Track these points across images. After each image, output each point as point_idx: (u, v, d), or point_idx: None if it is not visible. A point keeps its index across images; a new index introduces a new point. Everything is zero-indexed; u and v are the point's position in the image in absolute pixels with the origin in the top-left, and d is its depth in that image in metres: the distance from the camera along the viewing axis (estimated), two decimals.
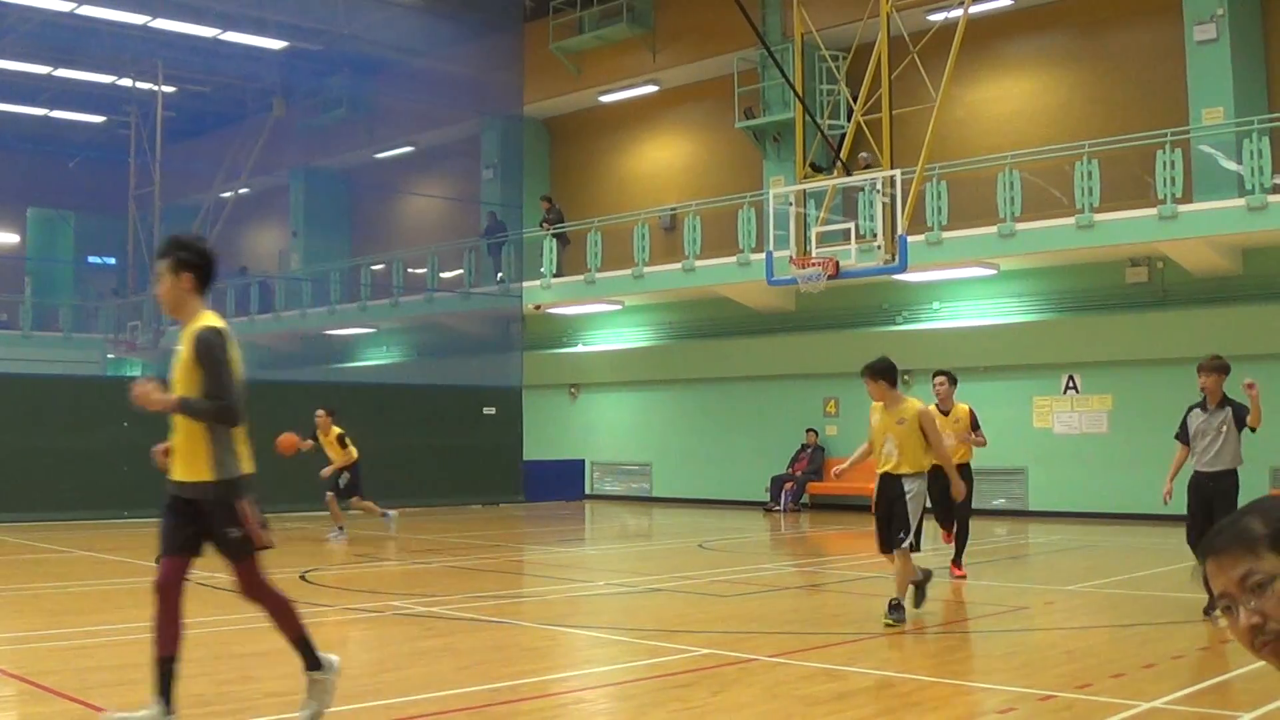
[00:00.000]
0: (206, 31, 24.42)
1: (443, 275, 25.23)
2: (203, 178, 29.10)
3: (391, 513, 14.96)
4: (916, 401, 7.78)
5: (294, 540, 14.34)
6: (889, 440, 7.63)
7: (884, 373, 7.67)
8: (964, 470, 8.94)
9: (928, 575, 7.93)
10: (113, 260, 32.42)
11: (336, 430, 14.47)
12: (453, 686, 6.05)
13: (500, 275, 23.89)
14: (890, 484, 7.61)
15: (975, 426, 9.14)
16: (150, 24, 23.85)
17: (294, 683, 5.39)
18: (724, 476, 21.30)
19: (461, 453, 20.61)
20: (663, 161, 24.08)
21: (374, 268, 26.98)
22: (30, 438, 16.93)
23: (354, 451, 14.60)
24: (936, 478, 8.16)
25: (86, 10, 22.90)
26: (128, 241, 29.30)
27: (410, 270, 26.01)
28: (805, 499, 19.89)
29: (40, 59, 26.07)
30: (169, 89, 27.94)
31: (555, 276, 22.40)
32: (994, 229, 16.82)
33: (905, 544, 7.47)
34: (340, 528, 14.55)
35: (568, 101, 24.52)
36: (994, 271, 18.01)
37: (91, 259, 33.32)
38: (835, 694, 5.73)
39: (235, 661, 6.69)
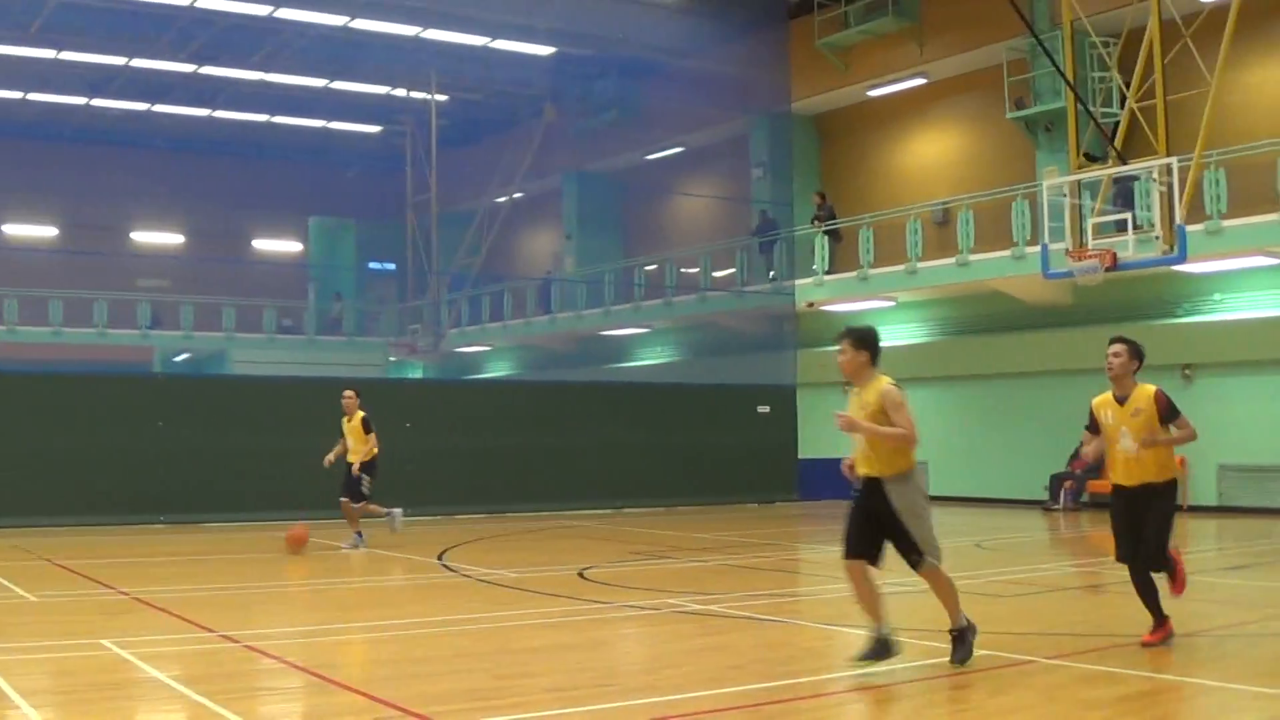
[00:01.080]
0: (477, 40, 28.28)
1: (715, 274, 28.40)
2: (477, 184, 32.94)
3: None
4: (884, 379, 7.11)
5: (568, 537, 16.13)
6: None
7: (867, 341, 7.18)
8: (1158, 490, 7.68)
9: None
10: (393, 266, 37.22)
11: (361, 414, 14.96)
12: (727, 685, 6.75)
13: (772, 273, 26.74)
14: (872, 492, 7.05)
15: (1171, 417, 7.72)
16: (422, 35, 27.80)
17: (571, 678, 6.72)
18: (1001, 474, 23.06)
19: (736, 451, 23.23)
20: (933, 155, 26.33)
21: (647, 268, 30.60)
22: (314, 438, 19.14)
23: (375, 443, 14.99)
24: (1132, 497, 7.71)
25: (360, 24, 26.87)
26: (406, 247, 35.14)
27: (683, 270, 29.39)
28: (1085, 497, 21.43)
29: (317, 73, 30.88)
30: (442, 98, 31.72)
31: (827, 274, 24.93)
32: (1277, 216, 17.90)
33: (922, 565, 7.02)
34: (359, 533, 15.05)
35: (836, 97, 27.27)
36: (1278, 260, 18.83)
37: (372, 265, 38.71)
38: (1115, 698, 6.24)
39: (515, 656, 7.61)
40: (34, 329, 31.80)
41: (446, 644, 8.37)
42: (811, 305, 25.48)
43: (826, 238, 25.48)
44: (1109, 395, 7.89)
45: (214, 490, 18.89)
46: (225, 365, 33.71)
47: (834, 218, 25.89)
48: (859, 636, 7.17)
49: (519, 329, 33.04)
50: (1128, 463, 7.77)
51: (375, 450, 15.04)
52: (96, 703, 6.48)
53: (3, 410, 18.33)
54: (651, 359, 31.50)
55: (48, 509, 17.84)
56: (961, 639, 7.10)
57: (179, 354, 34.82)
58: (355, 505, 15.02)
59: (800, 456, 24.14)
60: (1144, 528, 7.63)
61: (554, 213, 34.95)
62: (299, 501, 18.97)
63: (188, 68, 29.95)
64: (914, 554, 6.99)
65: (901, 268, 23.50)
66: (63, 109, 33.13)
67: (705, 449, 23.22)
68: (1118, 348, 7.85)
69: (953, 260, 22.71)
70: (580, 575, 12.08)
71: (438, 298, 34.08)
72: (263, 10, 26.24)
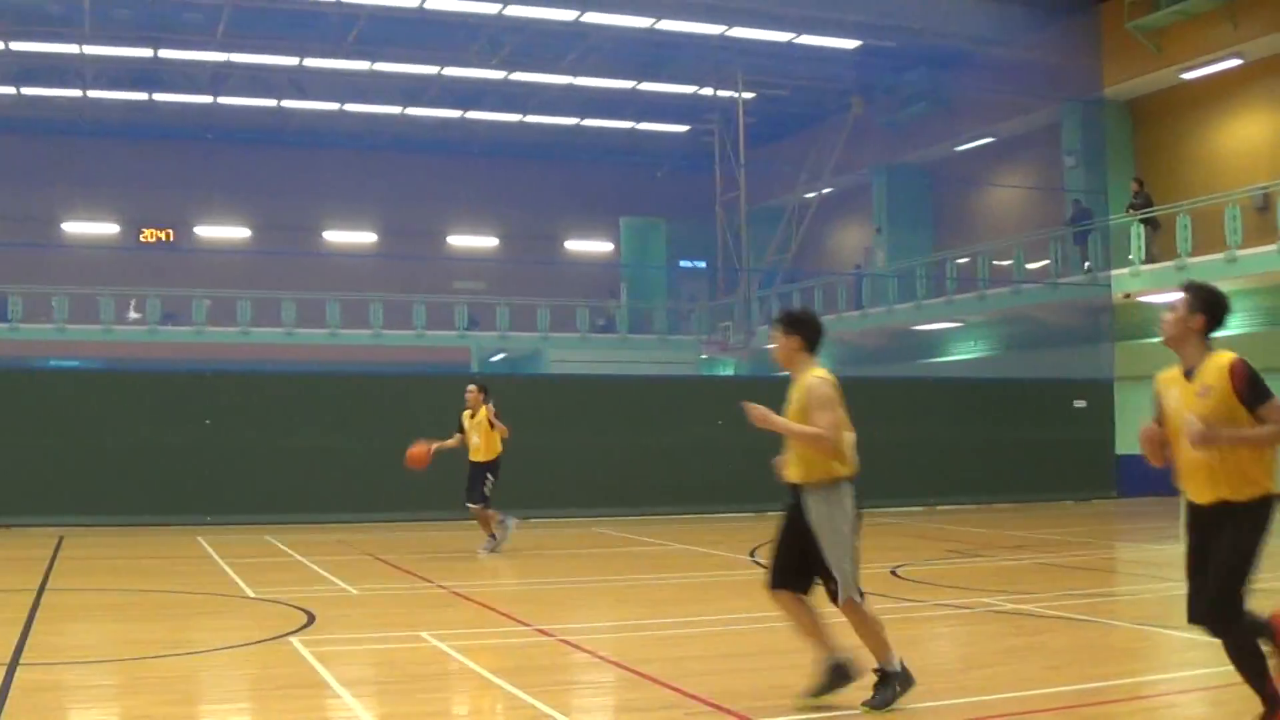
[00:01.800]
0: (782, 36, 31.29)
1: (1028, 266, 30.45)
2: (785, 180, 36.10)
3: (510, 519, 15.76)
4: (817, 370, 6.92)
5: (880, 535, 16.13)
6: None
7: (800, 325, 7.02)
8: (1237, 512, 5.73)
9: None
10: (703, 264, 41.02)
11: (487, 410, 15.19)
12: (1040, 686, 7.12)
13: (1087, 264, 28.67)
14: (797, 502, 6.94)
15: (1257, 400, 5.70)
16: (727, 33, 31.06)
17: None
18: None
19: (1051, 447, 24.92)
20: (1252, 138, 27.50)
21: (958, 261, 32.90)
22: (628, 434, 22.02)
23: (500, 440, 15.19)
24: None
25: (666, 25, 30.18)
26: (716, 245, 36.83)
27: (995, 263, 31.55)
28: None
29: (624, 74, 34.70)
30: (749, 95, 34.92)
31: (1144, 263, 26.52)
32: None
33: (839, 597, 6.80)
34: (493, 535, 15.49)
35: (1149, 81, 28.83)
36: None
37: (682, 263, 42.74)
38: None
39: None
40: (356, 332, 36.74)
41: (756, 640, 9.07)
42: (1128, 296, 27.20)
43: (1143, 226, 27.25)
44: (1177, 369, 6.06)
45: (532, 486, 20.03)
46: (541, 364, 37.61)
47: (1150, 205, 27.63)
48: (1179, 639, 7.34)
49: (830, 324, 34.99)
50: (1196, 468, 5.87)
51: (500, 449, 15.29)
52: (415, 693, 7.27)
53: (330, 410, 21.26)
54: (964, 354, 33.63)
55: (375, 505, 20.68)
56: (886, 682, 6.80)
57: (495, 354, 38.98)
58: (475, 507, 15.39)
59: (1119, 452, 25.67)
60: (1209, 565, 5.79)
61: (863, 206, 37.83)
62: (614, 497, 21.33)
63: (498, 74, 34.46)
64: (829, 582, 6.81)
65: (1220, 256, 24.88)
66: (379, 119, 38.49)
67: (1019, 445, 25.00)
68: (1176, 299, 6.03)
69: (1274, 247, 24.00)
70: (893, 573, 12.72)
71: (748, 294, 37.20)
72: (569, 15, 29.90)
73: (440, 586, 12.46)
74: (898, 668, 6.84)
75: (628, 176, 41.32)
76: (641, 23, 30.42)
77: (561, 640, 9.05)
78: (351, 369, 28.24)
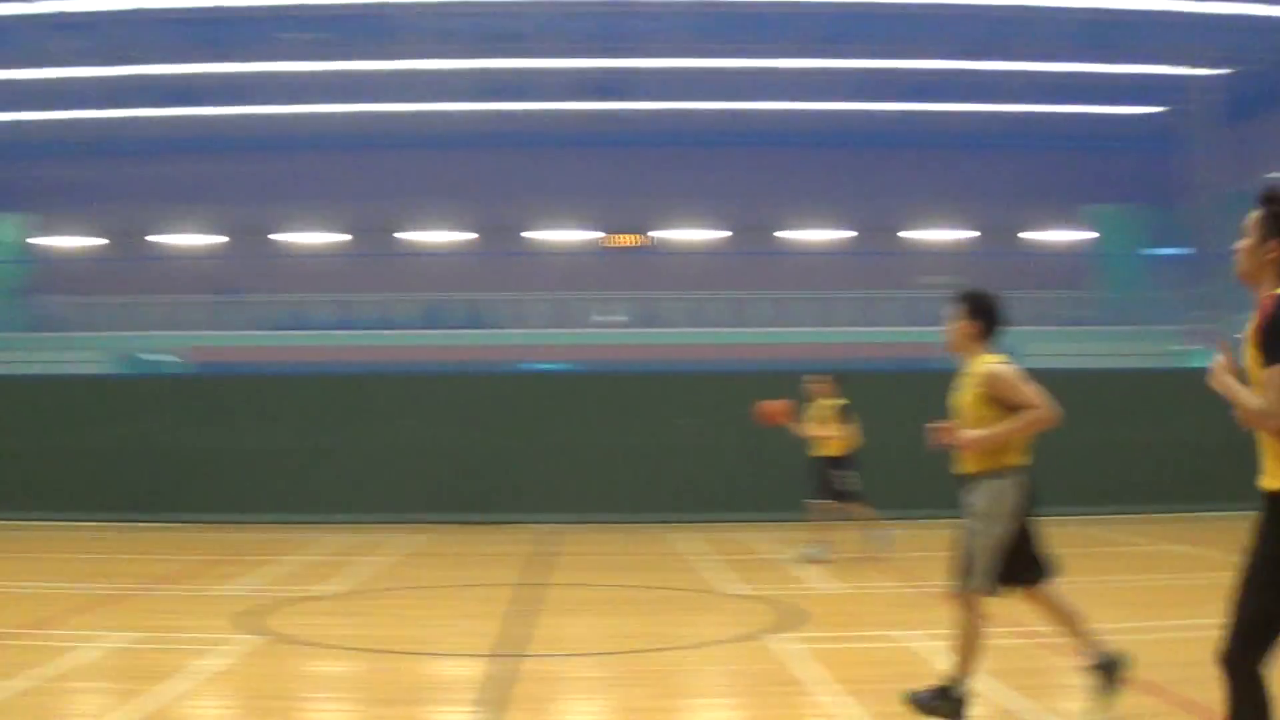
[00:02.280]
0: (1257, 9, 30.34)
1: None
2: (1264, 159, 34.71)
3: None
4: (993, 356, 6.83)
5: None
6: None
7: (986, 311, 6.93)
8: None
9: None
10: (1180, 250, 39.28)
11: (835, 403, 14.62)
12: None
13: None
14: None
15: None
16: (1195, 9, 30.15)
17: None
18: None
19: None
20: None
21: None
22: (1112, 429, 21.26)
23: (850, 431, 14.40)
24: None
25: (1126, 3, 29.83)
26: (1192, 230, 36.24)
27: None
28: None
29: (1084, 57, 33.77)
30: (1220, 72, 33.76)
31: None
32: None
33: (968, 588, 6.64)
34: (823, 544, 14.59)
35: None
36: None
37: (1156, 251, 40.96)
38: None
39: None
40: (827, 330, 37.52)
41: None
42: None
43: None
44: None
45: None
46: (1018, 358, 37.53)
47: None
48: None
49: None
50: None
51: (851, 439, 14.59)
52: (894, 694, 6.96)
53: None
54: None
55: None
56: (941, 695, 6.61)
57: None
58: (841, 505, 14.57)
59: None
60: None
61: None
62: (1090, 495, 20.54)
63: (956, 64, 34.47)
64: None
65: None
66: (839, 115, 39.31)
67: None
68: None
69: None
70: None
71: (1223, 282, 35.77)
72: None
73: (916, 585, 12.64)
74: (960, 693, 6.59)
75: (1093, 162, 39.92)
76: (1100, 2, 30.00)
77: (1046, 642, 8.58)
78: (821, 366, 28.76)
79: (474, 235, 42.64)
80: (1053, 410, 6.54)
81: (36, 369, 30.73)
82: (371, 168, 39.01)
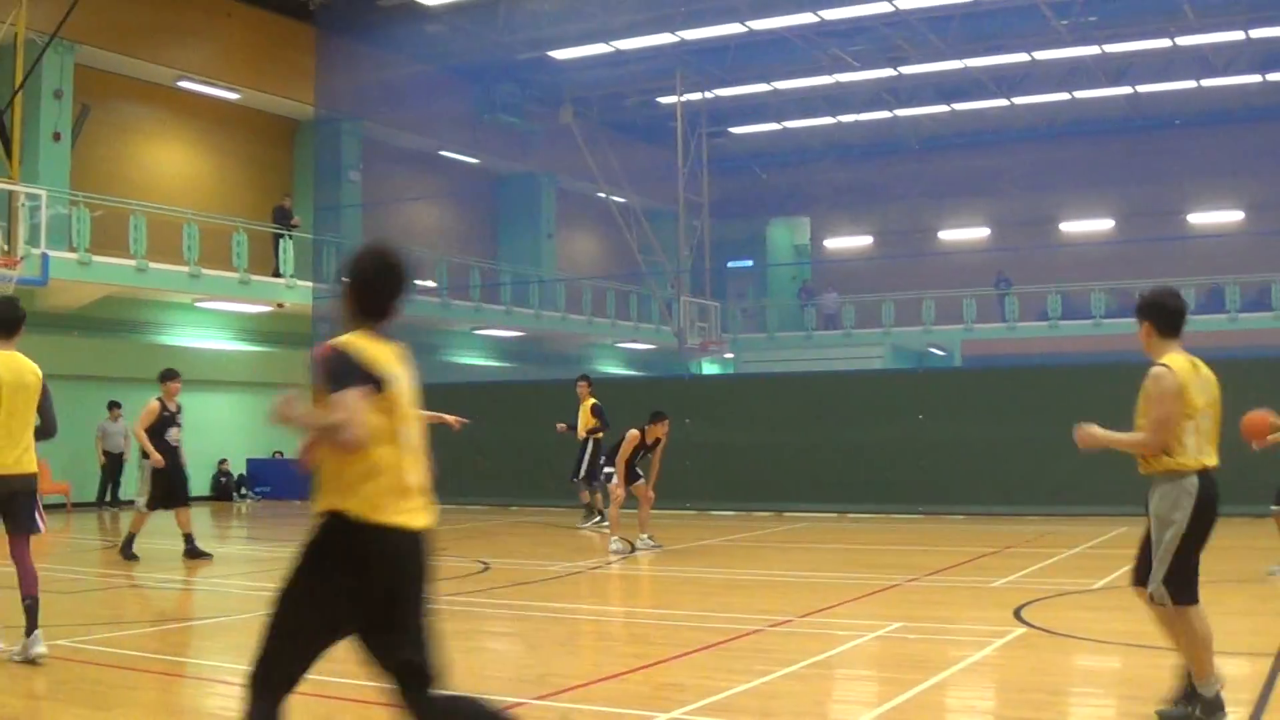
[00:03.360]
0: None
1: None
2: None
3: None
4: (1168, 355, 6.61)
5: None
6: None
7: (1149, 309, 6.83)
8: None
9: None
10: None
11: None
12: None
13: None
14: None
15: None
16: None
17: None
18: None
19: None
20: None
21: None
22: None
23: None
24: None
25: None
26: None
27: None
28: None
29: None
30: None
31: None
32: None
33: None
34: None
35: None
36: None
37: None
38: None
39: None
40: None
41: None
42: None
43: None
44: None
45: None
46: None
47: None
48: None
49: None
50: None
51: None
52: None
53: None
54: None
55: None
56: (1189, 700, 6.52)
57: None
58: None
59: None
60: None
61: None
62: None
63: None
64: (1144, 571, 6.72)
65: None
66: None
67: None
68: None
69: None
70: None
71: None
72: None
73: None
74: (1212, 693, 6.40)
75: None
76: None
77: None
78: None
79: (1240, 215, 39.89)
80: (1153, 439, 6.50)
81: (818, 366, 32.75)
82: (1144, 150, 37.58)
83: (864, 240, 46.78)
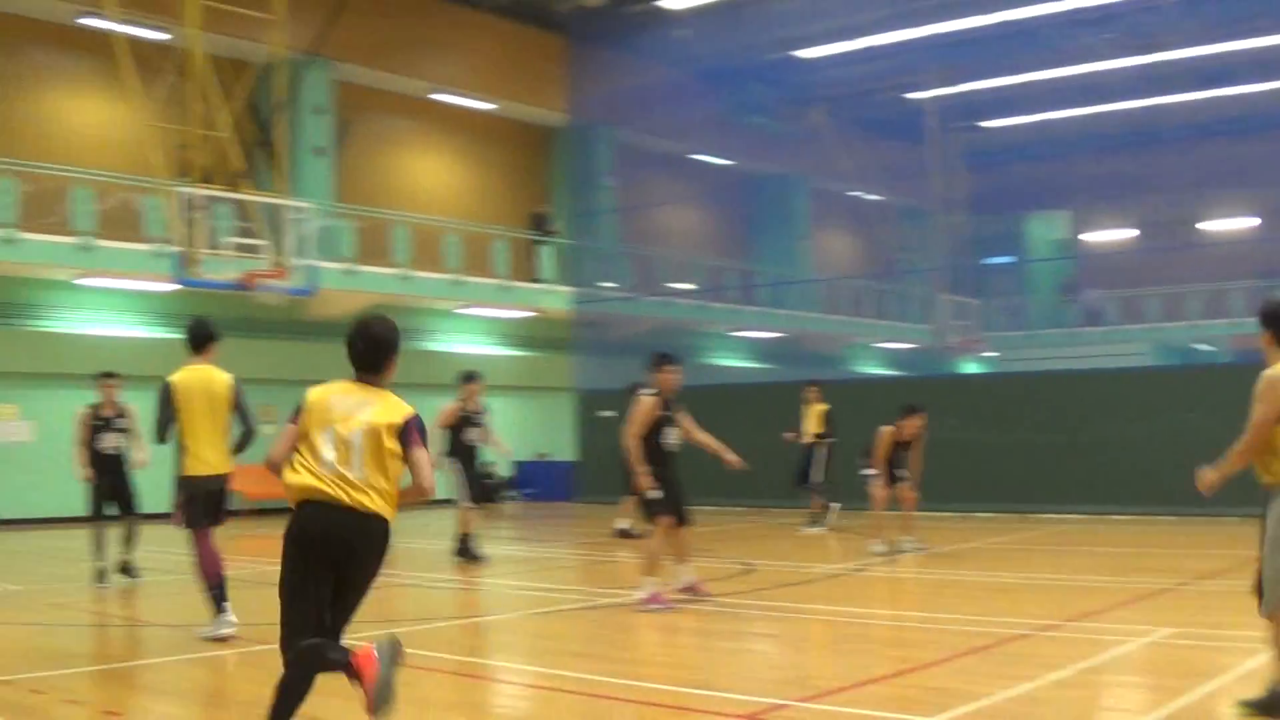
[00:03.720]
0: None
1: None
2: None
3: None
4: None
5: None
6: None
7: (1269, 318, 7.07)
8: None
9: None
10: None
11: None
12: None
13: None
14: None
15: None
16: None
17: None
18: None
19: None
20: None
21: None
22: None
23: None
24: None
25: None
26: None
27: None
28: None
29: None
30: None
31: None
32: None
33: None
34: None
35: None
36: None
37: None
38: None
39: None
40: None
41: None
42: None
43: None
44: None
45: None
46: None
47: None
48: None
49: None
50: None
51: None
52: None
53: None
54: None
55: None
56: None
57: None
58: None
59: None
60: None
61: None
62: None
63: None
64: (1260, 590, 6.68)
65: None
66: None
67: None
68: None
69: None
70: None
71: None
72: None
73: None
74: None
75: None
76: None
77: None
78: None
79: None
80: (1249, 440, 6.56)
81: (1080, 364, 32.00)
82: None
83: (1126, 233, 45.38)
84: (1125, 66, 34.34)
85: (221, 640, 9.74)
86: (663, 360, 11.88)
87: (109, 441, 14.77)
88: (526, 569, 16.67)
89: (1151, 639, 9.68)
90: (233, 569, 10.69)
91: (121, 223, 24.68)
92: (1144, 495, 21.70)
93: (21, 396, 25.13)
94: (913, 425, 16.45)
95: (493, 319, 32.22)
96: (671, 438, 11.79)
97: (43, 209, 23.82)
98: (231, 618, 9.88)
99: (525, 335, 33.04)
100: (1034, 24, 30.93)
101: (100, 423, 14.78)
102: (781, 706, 7.40)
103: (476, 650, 10.44)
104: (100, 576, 14.37)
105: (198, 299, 24.48)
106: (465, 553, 16.23)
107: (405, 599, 13.48)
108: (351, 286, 27.05)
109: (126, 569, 14.71)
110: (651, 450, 11.60)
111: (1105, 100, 37.31)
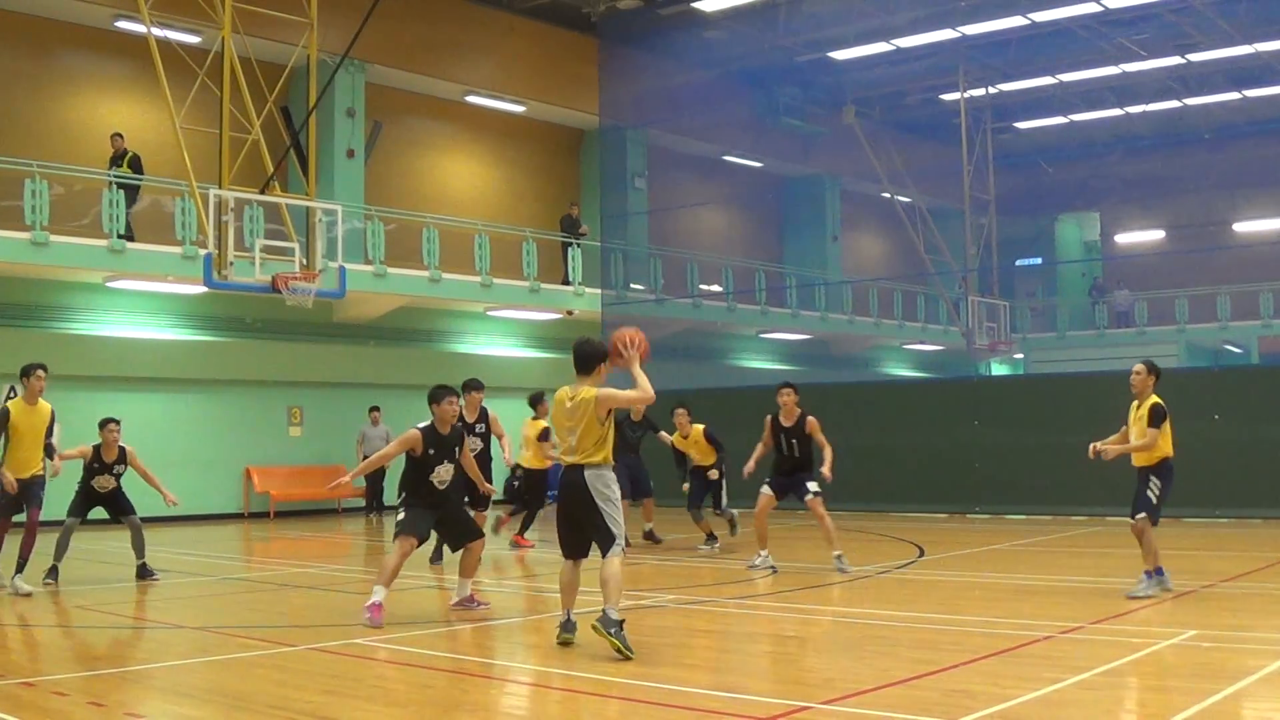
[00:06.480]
0: None
1: None
2: None
3: None
4: None
5: None
6: None
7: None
8: None
9: None
10: None
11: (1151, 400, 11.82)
12: None
13: None
14: None
15: None
16: None
17: None
18: None
19: None
20: None
21: None
22: None
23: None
24: None
25: None
26: None
27: None
28: None
29: None
30: None
31: None
32: None
33: None
34: None
35: None
36: None
37: None
38: None
39: None
40: None
41: None
42: None
43: None
44: None
45: None
46: None
47: None
48: None
49: None
50: None
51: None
52: None
53: None
54: None
55: None
56: None
57: None
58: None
59: None
60: None
61: None
62: None
63: None
64: None
65: None
66: None
67: None
68: None
69: None
70: None
71: None
72: None
73: None
74: None
75: None
76: None
77: None
78: None
79: None
80: None
81: (1110, 365, 31.73)
82: None
83: (1155, 235, 45.06)
84: (1156, 67, 34.09)
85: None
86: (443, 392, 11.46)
87: (105, 484, 15.00)
88: (551, 570, 16.60)
89: (1175, 641, 9.57)
90: (256, 571, 10.66)
91: (155, 224, 24.76)
92: (1174, 497, 21.49)
93: (52, 399, 25.15)
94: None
95: (522, 321, 32.21)
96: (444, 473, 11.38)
97: (74, 212, 23.90)
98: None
99: (555, 337, 33.02)
100: (1066, 25, 30.78)
101: (98, 465, 14.95)
102: (803, 708, 7.33)
103: (494, 651, 10.40)
104: (51, 573, 14.30)
105: (228, 301, 24.53)
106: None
107: (427, 600, 13.48)
108: (381, 289, 27.10)
109: (144, 572, 14.76)
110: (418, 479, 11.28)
111: (1136, 101, 37.05)
